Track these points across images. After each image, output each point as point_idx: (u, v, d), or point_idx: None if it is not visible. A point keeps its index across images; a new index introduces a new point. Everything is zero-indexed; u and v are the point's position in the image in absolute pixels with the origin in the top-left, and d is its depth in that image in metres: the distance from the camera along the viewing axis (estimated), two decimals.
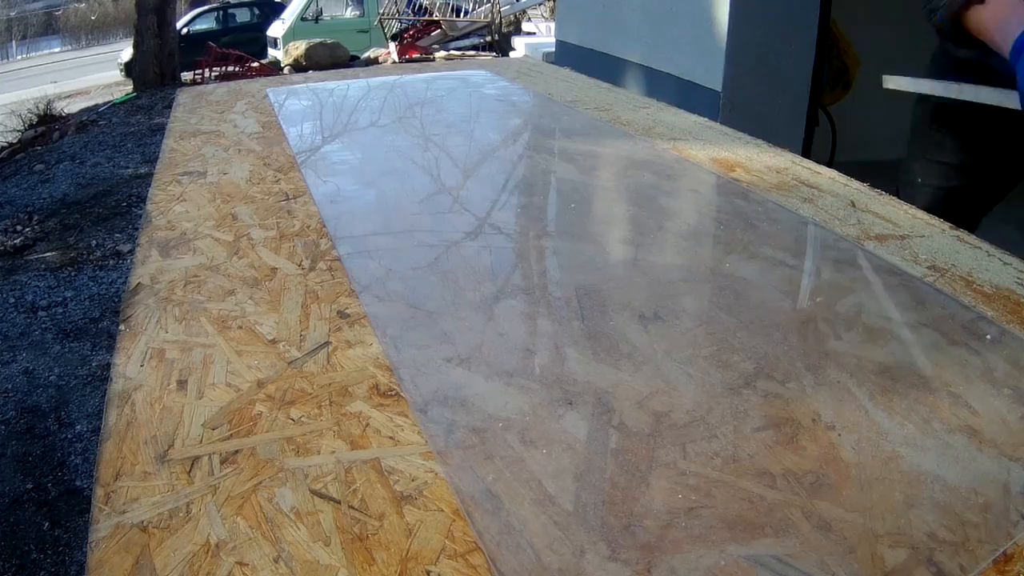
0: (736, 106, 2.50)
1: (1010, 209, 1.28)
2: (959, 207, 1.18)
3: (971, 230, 0.86)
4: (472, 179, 1.06)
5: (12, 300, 3.35)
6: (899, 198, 0.95)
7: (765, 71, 2.50)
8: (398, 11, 10.72)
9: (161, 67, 8.61)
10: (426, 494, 0.48)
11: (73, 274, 3.64)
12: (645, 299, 0.71)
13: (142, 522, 0.46)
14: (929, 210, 0.92)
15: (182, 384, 0.59)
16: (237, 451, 0.52)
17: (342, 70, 1.96)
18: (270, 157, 1.15)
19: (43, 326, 3.12)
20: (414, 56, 9.44)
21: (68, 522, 2.03)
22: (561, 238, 0.84)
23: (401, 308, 0.70)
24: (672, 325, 0.66)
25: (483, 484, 0.48)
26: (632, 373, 0.59)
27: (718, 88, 2.54)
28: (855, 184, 1.00)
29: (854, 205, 0.93)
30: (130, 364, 0.62)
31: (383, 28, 10.81)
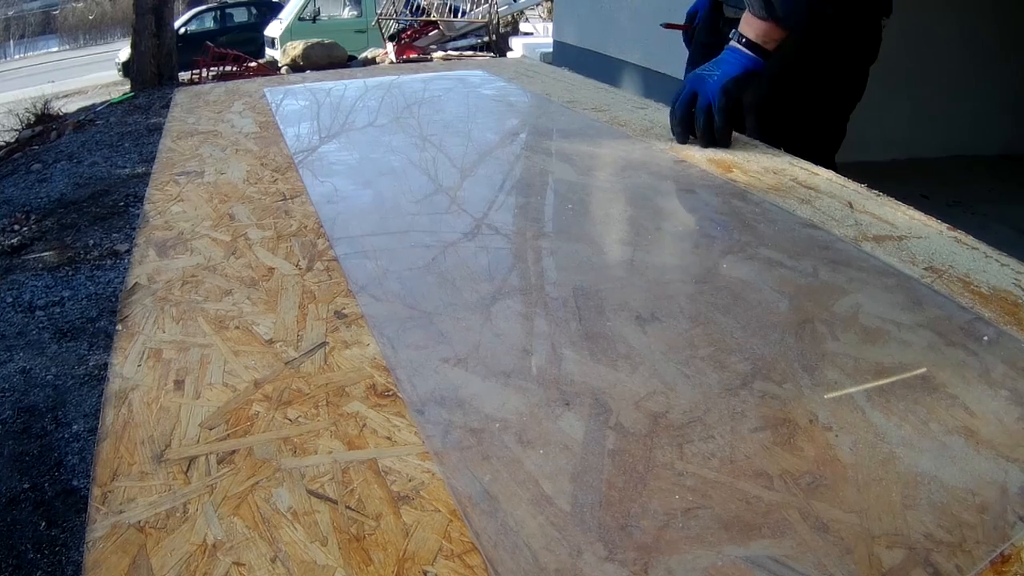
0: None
1: (1008, 210, 1.29)
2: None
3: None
4: (469, 179, 1.06)
5: (9, 299, 3.34)
6: None
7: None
8: (396, 11, 10.72)
9: (159, 67, 8.60)
10: (423, 494, 0.48)
11: (70, 274, 3.63)
12: (642, 300, 0.71)
13: (139, 522, 0.46)
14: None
15: (179, 384, 0.59)
16: (234, 451, 0.52)
17: (339, 70, 1.96)
18: (267, 157, 1.15)
19: (40, 325, 3.12)
20: (412, 56, 9.44)
21: (65, 522, 2.02)
22: (558, 239, 0.84)
23: (398, 308, 0.70)
24: (669, 326, 0.66)
25: (480, 484, 0.48)
26: (629, 374, 0.59)
27: None
28: (852, 185, 1.00)
29: (851, 206, 0.93)
30: (127, 364, 0.62)
31: (381, 28, 10.81)
